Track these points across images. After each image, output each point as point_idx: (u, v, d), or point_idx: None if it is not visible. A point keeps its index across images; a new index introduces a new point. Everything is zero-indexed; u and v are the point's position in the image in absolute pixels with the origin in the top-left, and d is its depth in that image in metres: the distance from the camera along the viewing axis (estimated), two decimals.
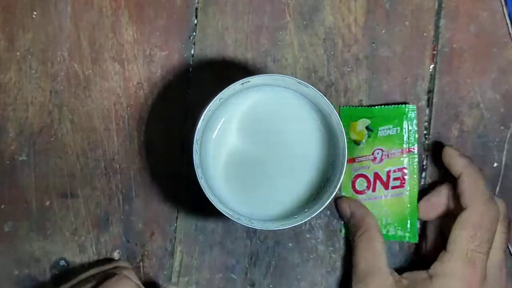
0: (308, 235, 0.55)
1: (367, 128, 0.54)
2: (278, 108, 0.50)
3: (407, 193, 0.53)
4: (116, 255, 0.55)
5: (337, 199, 0.55)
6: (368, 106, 0.55)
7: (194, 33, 0.55)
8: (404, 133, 0.53)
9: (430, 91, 0.55)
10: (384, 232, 0.54)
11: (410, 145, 0.53)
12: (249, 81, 0.46)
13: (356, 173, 0.54)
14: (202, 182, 0.45)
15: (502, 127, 0.55)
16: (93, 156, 0.55)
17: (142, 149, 0.55)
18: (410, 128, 0.53)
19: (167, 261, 0.55)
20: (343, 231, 0.55)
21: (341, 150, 0.47)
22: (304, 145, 0.50)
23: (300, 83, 0.46)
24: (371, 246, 0.52)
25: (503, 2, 0.55)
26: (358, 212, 0.53)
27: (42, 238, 0.55)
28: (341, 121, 0.46)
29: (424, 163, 0.55)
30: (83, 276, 0.51)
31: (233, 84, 0.46)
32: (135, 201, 0.55)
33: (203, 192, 0.45)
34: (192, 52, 0.55)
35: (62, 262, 0.55)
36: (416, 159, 0.53)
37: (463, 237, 0.49)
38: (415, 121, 0.54)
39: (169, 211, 0.55)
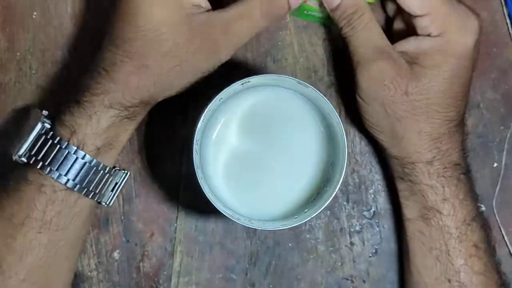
0: (308, 235, 0.55)
1: None
2: (278, 108, 0.50)
3: None
4: (116, 255, 0.55)
5: None
6: None
7: None
8: None
9: None
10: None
11: None
12: (249, 81, 0.46)
13: None
14: (202, 182, 0.45)
15: (502, 127, 0.55)
16: None
17: (142, 149, 0.55)
18: None
19: (167, 261, 0.55)
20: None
21: (341, 150, 0.47)
22: (304, 145, 0.50)
23: (300, 83, 0.46)
24: (374, 27, 0.49)
25: (503, 2, 0.55)
26: None
27: None
28: None
29: None
30: None
31: (233, 84, 0.46)
32: (135, 201, 0.55)
33: (203, 192, 0.45)
34: None
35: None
36: None
37: None
38: None
39: (169, 211, 0.55)
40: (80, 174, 0.47)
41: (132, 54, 0.46)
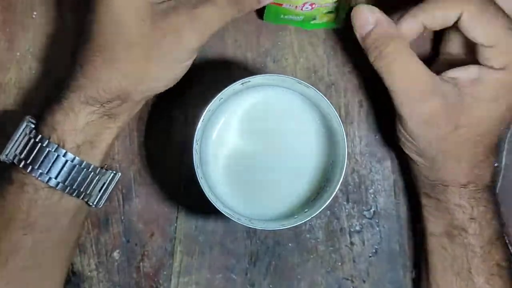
0: (308, 235, 0.55)
1: None
2: (278, 108, 0.50)
3: None
4: (116, 255, 0.55)
5: (353, 9, 0.47)
6: None
7: None
8: None
9: None
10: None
11: None
12: (249, 81, 0.46)
13: None
14: (202, 182, 0.45)
15: (502, 127, 0.55)
16: None
17: (142, 149, 0.55)
18: None
19: (167, 261, 0.55)
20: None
21: (341, 150, 0.47)
22: (304, 145, 0.50)
23: (300, 83, 0.46)
24: (412, 58, 0.46)
25: None
26: (384, 21, 0.46)
27: None
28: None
29: None
30: None
31: (233, 84, 0.46)
32: (135, 201, 0.55)
33: (203, 192, 0.45)
34: None
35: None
36: None
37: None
38: None
39: (169, 211, 0.55)
40: (62, 172, 0.47)
41: (101, 48, 0.46)
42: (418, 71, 0.46)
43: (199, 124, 0.45)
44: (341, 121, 0.46)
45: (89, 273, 0.55)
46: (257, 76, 0.46)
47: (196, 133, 0.45)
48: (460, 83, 0.47)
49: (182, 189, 0.55)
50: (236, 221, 0.46)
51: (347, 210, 0.56)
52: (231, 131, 0.50)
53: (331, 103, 0.46)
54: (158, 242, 0.55)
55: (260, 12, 0.53)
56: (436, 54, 0.53)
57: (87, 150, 0.48)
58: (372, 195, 0.56)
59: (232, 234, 0.55)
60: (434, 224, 0.51)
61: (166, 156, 0.55)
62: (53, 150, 0.47)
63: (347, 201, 0.56)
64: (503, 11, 0.46)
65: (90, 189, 0.49)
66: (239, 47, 0.55)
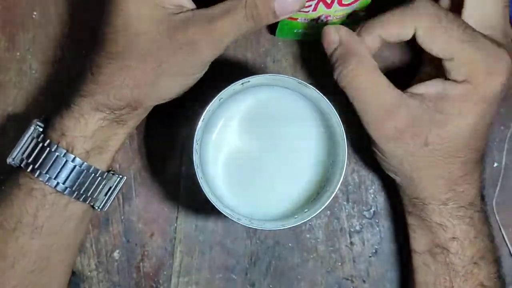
0: (308, 235, 0.55)
1: None
2: (278, 108, 0.50)
3: None
4: (116, 255, 0.55)
5: (322, 30, 0.47)
6: None
7: None
8: None
9: None
10: None
11: None
12: (249, 81, 0.46)
13: None
14: (202, 182, 0.45)
15: (502, 127, 0.55)
16: None
17: (142, 149, 0.55)
18: None
19: (167, 261, 0.55)
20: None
21: (341, 150, 0.47)
22: (304, 145, 0.50)
23: (300, 83, 0.46)
24: (377, 76, 0.45)
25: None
26: (348, 39, 0.45)
27: None
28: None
29: None
30: None
31: (233, 84, 0.46)
32: (135, 201, 0.55)
33: (203, 192, 0.45)
34: None
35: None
36: None
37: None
38: None
39: (169, 211, 0.55)
40: (70, 177, 0.47)
41: (114, 55, 0.45)
42: (381, 87, 0.46)
43: (199, 124, 0.45)
44: (341, 121, 0.46)
45: (89, 273, 0.55)
46: (257, 76, 0.46)
47: (196, 133, 0.45)
48: (426, 98, 0.46)
49: (182, 189, 0.55)
50: (236, 221, 0.46)
51: (347, 210, 0.56)
52: (231, 131, 0.50)
53: (331, 103, 0.46)
54: (158, 242, 0.55)
55: (272, 27, 0.53)
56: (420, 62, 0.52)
57: (96, 156, 0.48)
58: (372, 195, 0.56)
59: (232, 234, 0.55)
60: (417, 242, 0.50)
61: (166, 156, 0.55)
62: (62, 155, 0.47)
63: (347, 201, 0.56)
64: (460, 22, 0.45)
65: (96, 193, 0.49)
66: (239, 47, 0.55)
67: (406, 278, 0.55)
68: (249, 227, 0.52)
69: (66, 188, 0.47)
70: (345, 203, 0.56)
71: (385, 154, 0.48)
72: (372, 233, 0.56)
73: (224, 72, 0.55)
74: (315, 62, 0.55)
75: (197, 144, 0.46)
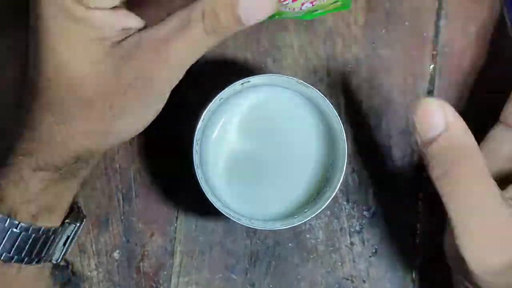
0: (308, 235, 0.55)
1: None
2: (278, 108, 0.50)
3: None
4: (116, 255, 0.55)
5: (417, 102, 0.35)
6: None
7: None
8: None
9: (430, 91, 0.55)
10: None
11: None
12: (249, 81, 0.46)
13: None
14: (202, 182, 0.45)
15: None
16: None
17: (142, 149, 0.55)
18: None
19: (167, 261, 0.55)
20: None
21: (341, 150, 0.47)
22: (304, 145, 0.50)
23: (300, 83, 0.46)
24: (484, 193, 0.33)
25: (503, 2, 0.55)
26: (457, 126, 0.33)
27: None
28: None
29: None
30: None
31: (233, 84, 0.46)
32: (135, 201, 0.55)
33: (203, 192, 0.45)
34: None
35: (63, 263, 0.55)
36: None
37: None
38: None
39: (169, 211, 0.55)
40: (17, 245, 0.40)
41: (51, 106, 0.37)
42: (493, 209, 0.34)
43: (199, 124, 0.45)
44: (341, 121, 0.46)
45: (89, 273, 0.55)
46: (257, 76, 0.46)
47: (196, 133, 0.46)
48: None
49: (182, 189, 0.55)
50: (236, 221, 0.46)
51: (347, 210, 0.56)
52: (231, 131, 0.50)
53: (331, 103, 0.46)
54: (158, 242, 0.55)
55: None
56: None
57: (45, 216, 0.41)
58: (372, 195, 0.56)
59: (232, 234, 0.55)
60: None
61: (166, 156, 0.55)
62: (3, 223, 0.39)
63: (347, 201, 0.56)
64: None
65: (52, 250, 0.44)
66: (239, 47, 0.55)
67: (406, 278, 0.55)
68: (249, 227, 0.52)
69: (13, 257, 0.40)
70: (345, 203, 0.56)
71: (476, 279, 0.36)
72: (372, 233, 0.56)
73: (224, 72, 0.55)
74: (315, 62, 0.55)
75: (197, 144, 0.46)
